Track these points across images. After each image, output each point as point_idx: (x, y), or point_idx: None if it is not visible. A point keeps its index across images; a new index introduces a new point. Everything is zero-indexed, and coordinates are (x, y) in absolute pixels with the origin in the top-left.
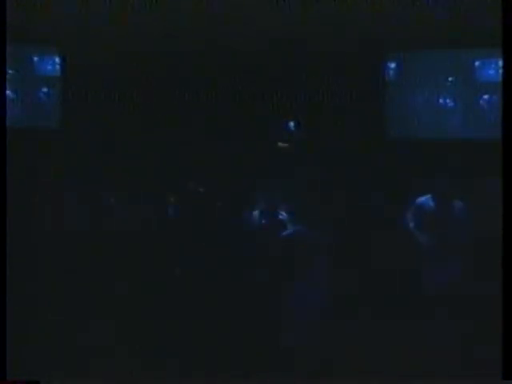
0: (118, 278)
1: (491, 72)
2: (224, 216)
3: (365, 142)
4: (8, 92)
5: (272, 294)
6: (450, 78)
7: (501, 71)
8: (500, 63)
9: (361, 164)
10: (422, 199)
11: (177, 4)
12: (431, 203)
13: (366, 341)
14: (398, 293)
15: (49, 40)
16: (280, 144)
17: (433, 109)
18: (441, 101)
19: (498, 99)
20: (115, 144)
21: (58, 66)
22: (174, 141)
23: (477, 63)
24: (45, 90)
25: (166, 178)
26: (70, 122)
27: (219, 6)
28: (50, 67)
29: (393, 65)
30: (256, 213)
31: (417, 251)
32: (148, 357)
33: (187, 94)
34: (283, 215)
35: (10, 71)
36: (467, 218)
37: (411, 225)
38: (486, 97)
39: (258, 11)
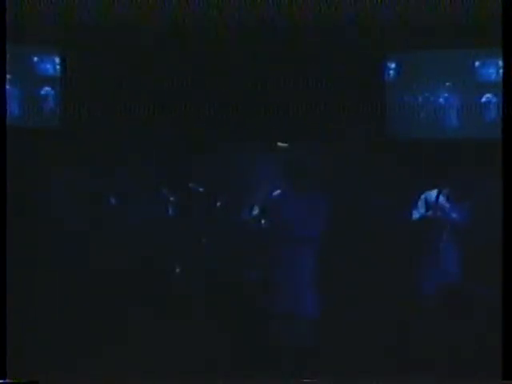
0: (119, 278)
1: (491, 72)
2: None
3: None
4: (8, 92)
5: None
6: (449, 78)
7: (501, 71)
8: (500, 63)
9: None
10: (421, 199)
11: (178, 4)
12: (431, 203)
13: (364, 339)
14: (397, 292)
15: (49, 40)
16: (279, 143)
17: (433, 108)
18: (441, 100)
19: (498, 99)
20: (115, 144)
21: (58, 66)
22: (174, 140)
23: (477, 63)
24: (45, 89)
25: (165, 178)
26: (70, 122)
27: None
28: (50, 67)
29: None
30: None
31: (416, 250)
32: (148, 357)
33: (189, 94)
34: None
35: (9, 71)
36: (467, 217)
37: (411, 224)
38: (486, 97)
39: (257, 4)
